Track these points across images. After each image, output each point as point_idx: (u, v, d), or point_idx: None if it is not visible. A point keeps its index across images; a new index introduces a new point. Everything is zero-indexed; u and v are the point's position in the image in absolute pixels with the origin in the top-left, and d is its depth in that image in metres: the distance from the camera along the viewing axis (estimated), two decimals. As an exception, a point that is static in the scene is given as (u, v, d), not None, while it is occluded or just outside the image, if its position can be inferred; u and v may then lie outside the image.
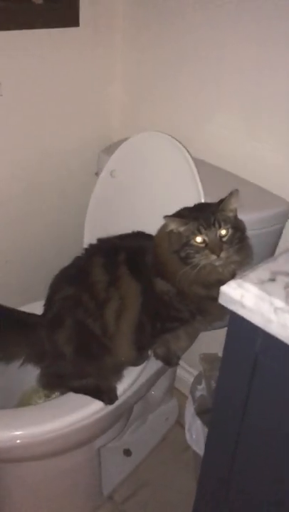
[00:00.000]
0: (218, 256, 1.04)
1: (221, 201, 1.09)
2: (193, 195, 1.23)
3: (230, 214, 1.09)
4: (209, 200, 1.19)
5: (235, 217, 1.11)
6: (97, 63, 1.61)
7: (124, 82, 1.69)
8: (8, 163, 1.54)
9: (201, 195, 1.23)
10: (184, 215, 1.09)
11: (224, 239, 1.06)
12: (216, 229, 1.05)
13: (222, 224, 1.06)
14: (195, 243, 1.06)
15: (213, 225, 1.05)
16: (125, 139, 1.43)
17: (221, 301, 0.73)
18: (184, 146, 1.26)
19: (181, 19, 1.43)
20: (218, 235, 1.06)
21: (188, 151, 1.26)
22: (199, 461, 1.45)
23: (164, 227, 1.13)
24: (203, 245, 1.06)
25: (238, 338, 0.76)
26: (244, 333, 0.74)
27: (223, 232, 1.06)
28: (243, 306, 0.71)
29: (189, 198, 1.22)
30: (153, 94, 1.61)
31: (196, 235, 1.05)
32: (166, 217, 1.07)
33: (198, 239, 1.06)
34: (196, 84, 1.47)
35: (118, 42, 1.62)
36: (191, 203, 1.16)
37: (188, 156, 1.24)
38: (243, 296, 0.71)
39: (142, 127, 1.39)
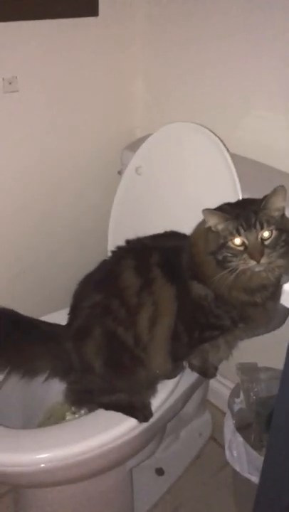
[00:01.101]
0: (258, 262, 0.93)
1: (265, 198, 0.98)
2: (230, 190, 1.13)
3: (276, 213, 0.97)
4: (247, 196, 1.08)
5: (282, 216, 0.98)
6: (117, 55, 1.52)
7: (146, 75, 1.59)
8: (25, 163, 1.46)
9: (239, 190, 1.12)
10: (226, 210, 0.98)
11: (266, 242, 0.94)
12: (257, 230, 0.94)
13: (265, 225, 0.94)
14: (233, 245, 0.95)
15: (254, 225, 0.94)
16: (150, 134, 1.33)
17: (285, 301, 0.63)
18: (218, 136, 1.16)
19: (210, 4, 1.33)
20: (259, 237, 0.94)
21: (222, 141, 1.15)
22: (240, 481, 1.34)
23: (201, 224, 1.02)
24: (242, 248, 0.94)
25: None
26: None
27: (266, 234, 0.94)
28: (311, 308, 0.60)
29: (225, 193, 1.12)
30: (177, 88, 1.52)
31: (234, 237, 0.94)
32: (205, 210, 0.96)
33: (237, 241, 0.94)
34: (228, 76, 1.36)
35: (139, 32, 1.53)
36: (227, 199, 1.05)
37: (223, 146, 1.14)
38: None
39: (165, 123, 1.29)
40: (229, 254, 0.95)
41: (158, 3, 1.47)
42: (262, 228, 0.94)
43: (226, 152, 1.14)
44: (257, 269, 0.94)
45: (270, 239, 0.94)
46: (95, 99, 1.53)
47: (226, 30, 1.32)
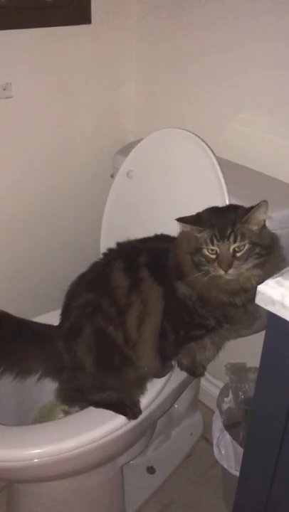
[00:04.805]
0: (226, 272, 0.97)
1: (248, 210, 0.99)
2: (217, 194, 1.16)
3: (255, 227, 0.99)
4: (234, 201, 1.11)
5: (262, 227, 1.00)
6: (110, 62, 1.56)
7: (138, 81, 1.63)
8: (19, 167, 1.49)
9: (226, 194, 1.16)
10: (203, 218, 1.01)
11: (238, 254, 0.97)
12: (229, 243, 0.97)
13: (238, 238, 0.97)
14: (207, 252, 0.99)
15: (228, 237, 0.97)
16: (142, 139, 1.36)
17: (258, 301, 0.66)
18: (205, 142, 1.19)
19: (199, 11, 1.37)
20: (231, 249, 0.97)
21: (209, 147, 1.18)
22: (228, 478, 1.37)
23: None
24: (214, 257, 0.98)
25: (278, 343, 0.68)
26: (286, 337, 0.66)
27: (238, 247, 0.97)
28: (284, 306, 0.63)
29: (213, 197, 1.15)
30: (169, 93, 1.55)
31: (207, 245, 0.98)
32: (178, 220, 1.00)
33: (210, 250, 0.98)
34: (217, 81, 1.39)
35: (131, 39, 1.57)
36: (215, 203, 1.08)
37: (210, 152, 1.17)
38: (285, 295, 0.63)
39: (158, 127, 1.32)
40: (203, 260, 0.99)
41: (150, 10, 1.50)
42: (235, 242, 0.97)
43: (213, 157, 1.17)
44: (228, 277, 0.98)
45: (242, 252, 0.97)
46: (88, 104, 1.56)
47: (215, 39, 1.35)
